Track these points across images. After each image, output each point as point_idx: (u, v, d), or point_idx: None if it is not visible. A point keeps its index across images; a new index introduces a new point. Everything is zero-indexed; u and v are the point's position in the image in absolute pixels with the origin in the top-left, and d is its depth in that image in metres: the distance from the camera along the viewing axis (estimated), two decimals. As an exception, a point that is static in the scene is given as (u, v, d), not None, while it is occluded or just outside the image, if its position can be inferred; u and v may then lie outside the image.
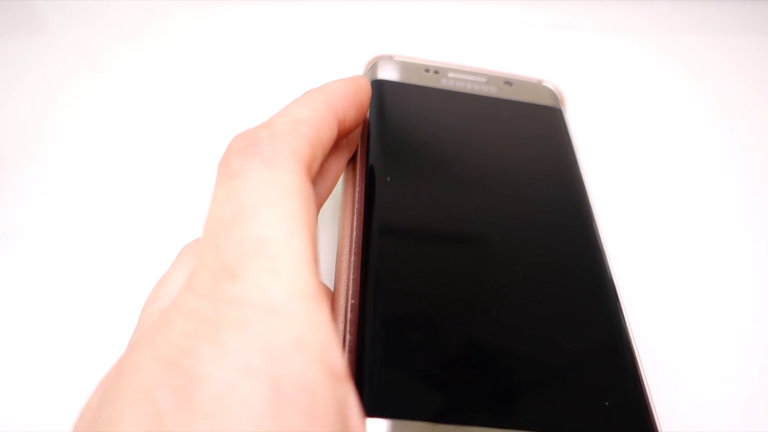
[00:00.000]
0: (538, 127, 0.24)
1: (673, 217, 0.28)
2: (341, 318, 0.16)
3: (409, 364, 0.16)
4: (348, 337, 0.16)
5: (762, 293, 0.25)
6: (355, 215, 0.19)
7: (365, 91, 0.20)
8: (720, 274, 0.26)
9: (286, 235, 0.14)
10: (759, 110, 0.34)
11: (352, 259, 0.18)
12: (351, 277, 0.17)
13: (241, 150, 0.15)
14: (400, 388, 0.15)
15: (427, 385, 0.15)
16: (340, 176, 0.22)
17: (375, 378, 0.15)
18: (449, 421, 0.15)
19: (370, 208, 0.19)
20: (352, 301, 0.17)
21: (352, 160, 0.22)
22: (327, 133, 0.17)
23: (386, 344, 0.16)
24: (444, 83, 0.25)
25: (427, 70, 0.25)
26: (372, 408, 0.14)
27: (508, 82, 0.25)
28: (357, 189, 0.20)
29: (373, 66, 0.25)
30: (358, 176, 0.20)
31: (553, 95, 0.26)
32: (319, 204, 0.20)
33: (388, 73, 0.24)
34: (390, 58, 0.25)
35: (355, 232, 0.19)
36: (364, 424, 0.14)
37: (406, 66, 0.25)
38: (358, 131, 0.22)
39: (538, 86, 0.26)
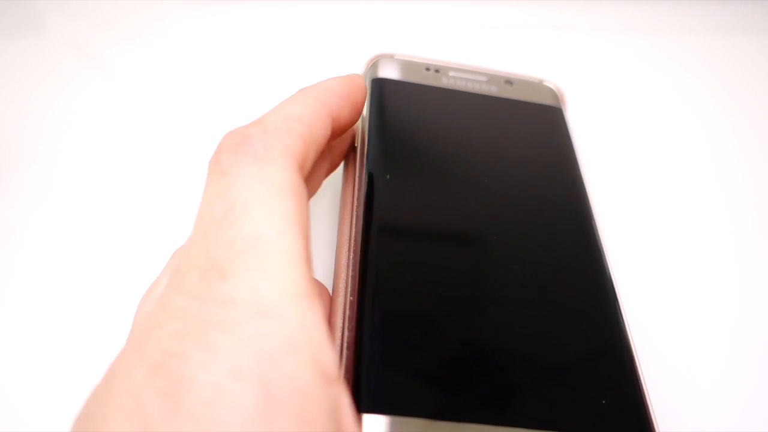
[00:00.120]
0: (538, 126, 0.24)
1: (672, 216, 0.28)
2: (339, 314, 0.16)
3: (406, 361, 0.16)
4: (346, 333, 0.16)
5: (761, 294, 0.25)
6: (355, 212, 0.19)
7: (361, 90, 0.19)
8: (719, 274, 0.26)
9: (278, 233, 0.13)
10: (759, 110, 0.34)
11: (351, 256, 0.18)
12: (350, 274, 0.17)
13: (232, 147, 0.15)
14: (398, 384, 0.15)
15: (424, 382, 0.15)
16: (329, 174, 0.22)
17: (372, 374, 0.15)
18: (446, 418, 0.15)
19: (369, 206, 0.19)
20: (351, 297, 0.17)
21: (353, 157, 0.22)
22: (320, 131, 0.17)
23: (384, 341, 0.16)
24: (445, 82, 0.25)
25: (427, 69, 0.25)
26: (369, 404, 0.14)
27: (509, 81, 0.25)
28: (356, 186, 0.20)
29: (373, 64, 0.25)
30: (357, 174, 0.20)
31: (554, 94, 0.26)
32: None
33: (389, 72, 0.24)
34: (391, 56, 0.25)
35: (354, 230, 0.19)
36: (358, 425, 0.14)
37: (406, 64, 0.25)
38: (352, 130, 0.22)
39: (538, 85, 0.26)
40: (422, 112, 0.23)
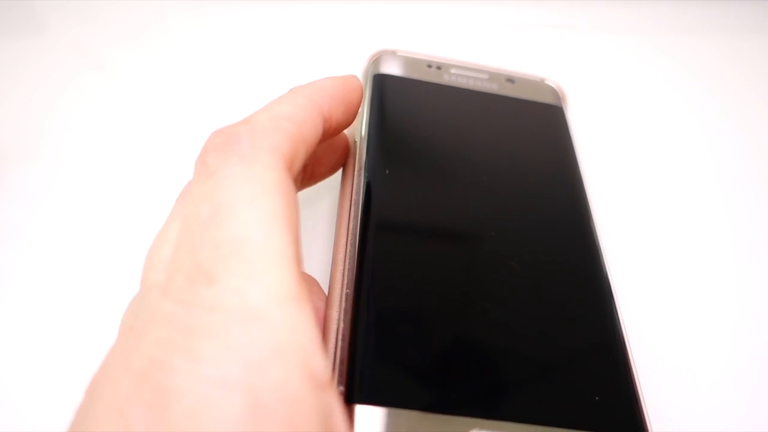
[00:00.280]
0: (539, 125, 0.24)
1: (671, 215, 0.28)
2: (336, 307, 0.17)
3: (401, 354, 0.16)
4: (342, 325, 0.16)
5: (759, 294, 0.25)
6: (353, 206, 0.19)
7: (355, 91, 0.19)
8: (717, 274, 0.26)
9: (265, 234, 0.13)
10: (759, 110, 0.34)
11: (348, 249, 0.18)
12: (347, 266, 0.17)
13: (218, 147, 0.15)
14: (392, 376, 0.15)
15: (417, 374, 0.15)
16: (330, 175, 0.22)
17: (367, 366, 0.15)
18: (439, 410, 0.15)
19: (367, 200, 0.19)
20: (347, 290, 0.17)
21: (353, 151, 0.22)
22: (311, 130, 0.16)
23: (379, 334, 0.16)
24: (446, 79, 0.25)
25: (429, 66, 0.25)
26: (363, 395, 0.14)
27: (510, 80, 0.25)
28: (355, 180, 0.20)
29: (375, 60, 0.25)
30: (356, 168, 0.20)
31: (555, 93, 0.26)
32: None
33: (391, 68, 0.24)
34: (393, 52, 0.25)
35: (352, 223, 0.19)
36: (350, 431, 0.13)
37: (408, 61, 0.25)
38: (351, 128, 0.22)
39: (540, 84, 0.26)
40: (423, 108, 0.23)
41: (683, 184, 0.30)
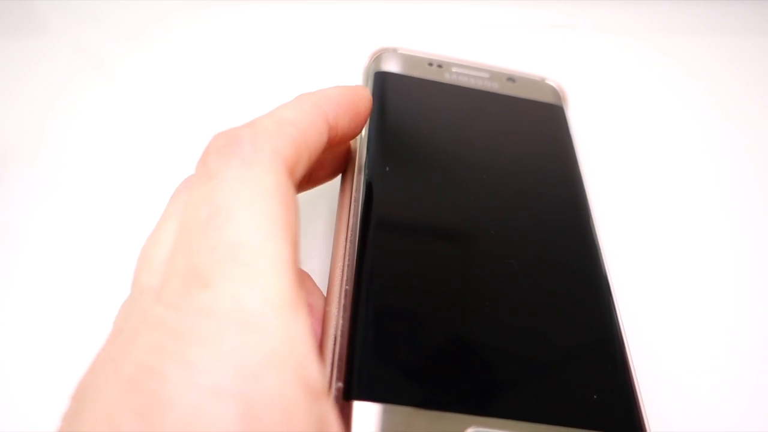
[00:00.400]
0: (539, 124, 0.24)
1: (671, 215, 0.28)
2: (335, 303, 0.17)
3: (400, 351, 0.16)
4: (341, 322, 0.16)
5: (758, 293, 0.25)
6: (353, 203, 0.19)
7: (363, 101, 0.19)
8: (716, 273, 0.26)
9: (263, 239, 0.13)
10: (759, 110, 0.34)
11: (348, 246, 0.18)
12: (346, 263, 0.17)
13: (220, 149, 0.14)
14: (391, 373, 0.15)
15: (416, 371, 0.15)
16: (329, 179, 0.22)
17: (366, 363, 0.15)
18: (437, 407, 0.15)
19: (368, 197, 0.19)
20: (347, 287, 0.17)
21: (353, 148, 0.22)
22: (314, 137, 0.16)
23: (378, 330, 0.16)
24: (447, 77, 0.25)
25: (430, 64, 0.25)
26: (361, 392, 0.14)
27: (511, 79, 0.26)
28: (356, 177, 0.20)
29: (376, 58, 0.25)
30: (357, 165, 0.20)
31: (556, 93, 0.26)
32: None
33: (392, 66, 0.24)
34: (394, 50, 0.25)
35: (352, 220, 0.19)
36: None
37: (409, 59, 0.25)
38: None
39: (540, 83, 0.26)
40: (424, 106, 0.23)
41: (683, 184, 0.30)
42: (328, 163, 0.21)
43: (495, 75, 0.25)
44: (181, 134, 0.28)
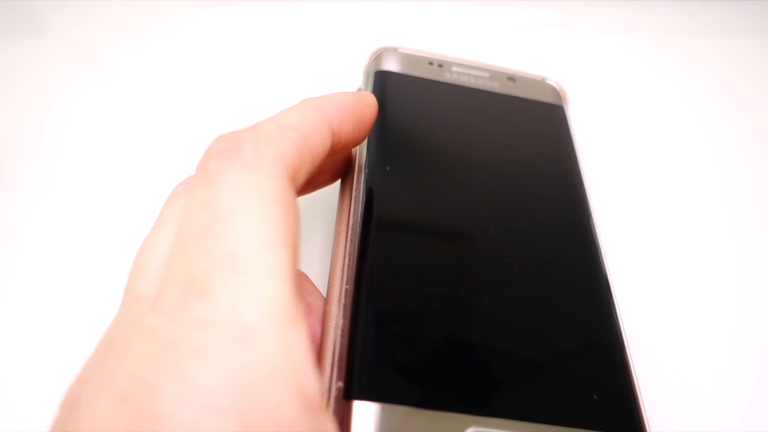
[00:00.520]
0: (539, 123, 0.24)
1: (671, 215, 0.28)
2: (335, 302, 0.16)
3: (401, 350, 0.16)
4: (341, 321, 0.16)
5: (758, 293, 0.25)
6: (353, 202, 0.19)
7: (368, 107, 0.18)
8: (716, 273, 0.26)
9: (262, 247, 0.12)
10: (759, 110, 0.34)
11: (348, 245, 0.18)
12: (347, 263, 0.17)
13: (221, 152, 0.14)
14: (391, 373, 0.15)
15: (416, 371, 0.15)
16: (329, 184, 0.21)
17: (366, 362, 0.15)
18: (437, 407, 0.15)
19: (368, 196, 0.19)
20: (347, 286, 0.17)
21: (352, 150, 0.22)
22: (318, 142, 0.16)
23: (379, 330, 0.16)
24: (447, 77, 0.25)
25: (431, 63, 0.25)
26: (362, 391, 0.14)
27: (512, 78, 0.25)
28: (356, 177, 0.20)
29: (377, 57, 0.25)
30: (357, 164, 0.20)
31: (556, 93, 0.26)
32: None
33: (392, 65, 0.24)
34: (394, 49, 0.25)
35: (352, 219, 0.19)
36: None
37: (410, 58, 0.25)
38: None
39: (541, 83, 0.26)
40: (424, 105, 0.23)
41: (683, 184, 0.30)
42: (327, 168, 0.21)
43: (495, 74, 0.25)
44: (180, 135, 0.28)
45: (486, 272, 0.18)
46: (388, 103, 0.23)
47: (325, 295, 0.18)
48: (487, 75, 0.25)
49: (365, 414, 0.14)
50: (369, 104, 0.18)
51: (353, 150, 0.22)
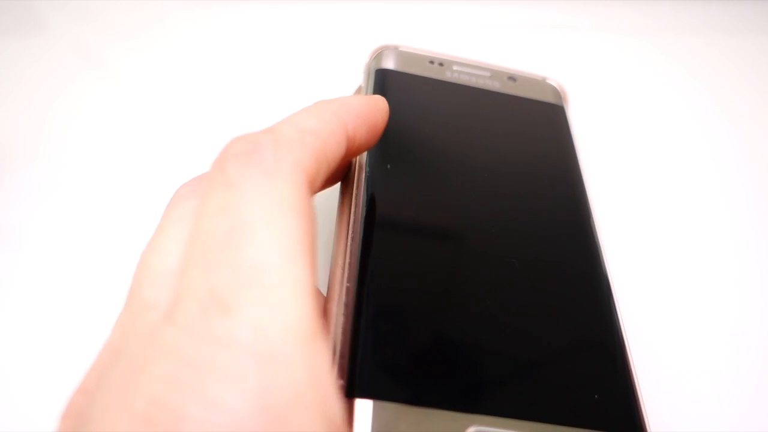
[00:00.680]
0: (540, 123, 0.24)
1: (671, 215, 0.28)
2: (336, 301, 0.16)
3: (402, 349, 0.16)
4: (342, 319, 0.16)
5: (759, 293, 0.25)
6: (354, 201, 0.19)
7: (381, 112, 0.18)
8: (717, 273, 0.26)
9: (286, 261, 0.12)
10: (759, 110, 0.34)
11: (349, 243, 0.18)
12: (348, 261, 0.17)
13: (239, 155, 0.13)
14: (392, 371, 0.15)
15: (417, 369, 0.15)
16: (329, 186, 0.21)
17: (367, 361, 0.15)
18: (438, 406, 0.15)
19: (369, 195, 0.19)
20: (348, 284, 0.17)
21: None
22: (334, 147, 0.15)
23: (380, 328, 0.16)
24: (448, 76, 0.25)
25: (431, 62, 0.25)
26: (363, 390, 0.14)
27: (512, 78, 0.26)
28: (357, 175, 0.20)
29: (377, 55, 0.25)
30: (358, 162, 0.20)
31: (557, 92, 0.26)
32: None
33: (392, 63, 0.24)
34: (395, 48, 0.25)
35: (353, 217, 0.19)
36: None
37: (410, 57, 0.25)
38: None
39: (541, 83, 0.26)
40: (424, 104, 0.23)
41: (683, 184, 0.30)
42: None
43: (496, 74, 0.25)
44: (181, 135, 0.28)
45: (487, 271, 0.18)
46: (388, 102, 0.22)
47: (325, 293, 0.18)
48: (487, 74, 0.25)
49: (366, 412, 0.14)
50: (382, 109, 0.18)
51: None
